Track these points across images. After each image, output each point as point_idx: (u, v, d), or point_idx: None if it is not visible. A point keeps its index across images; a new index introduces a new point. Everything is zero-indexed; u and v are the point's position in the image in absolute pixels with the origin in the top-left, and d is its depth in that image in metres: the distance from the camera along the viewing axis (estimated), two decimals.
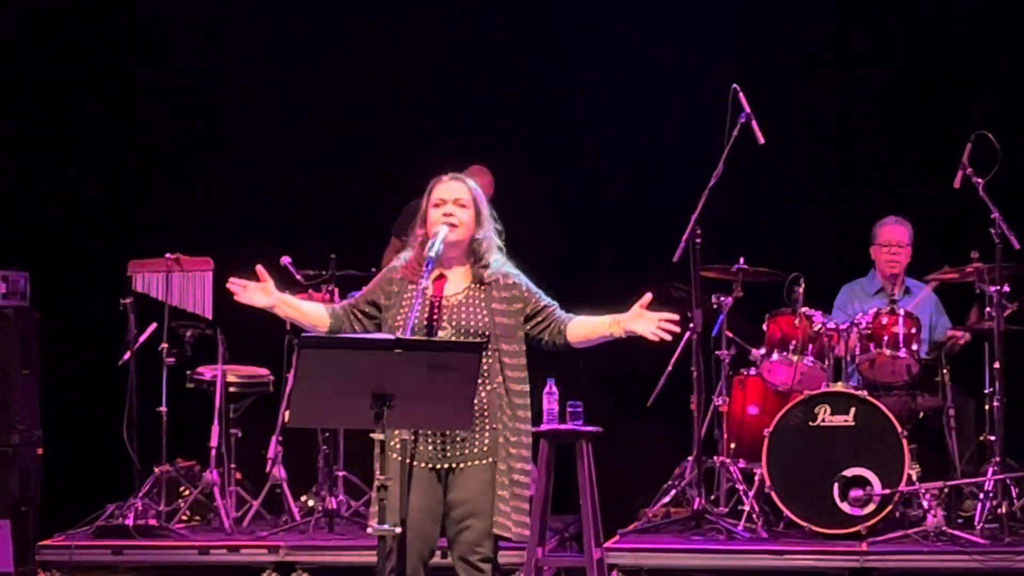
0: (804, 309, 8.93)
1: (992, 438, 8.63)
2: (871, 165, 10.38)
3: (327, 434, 9.01)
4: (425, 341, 5.89)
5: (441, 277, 6.12)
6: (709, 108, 9.94)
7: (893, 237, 9.42)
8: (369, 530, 5.80)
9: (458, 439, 6.01)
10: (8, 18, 10.43)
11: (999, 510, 8.40)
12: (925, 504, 8.49)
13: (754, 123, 8.81)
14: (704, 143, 9.76)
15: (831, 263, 9.80)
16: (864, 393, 8.63)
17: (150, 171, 10.59)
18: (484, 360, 5.90)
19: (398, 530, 5.67)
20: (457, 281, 6.13)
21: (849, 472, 8.43)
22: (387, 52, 10.66)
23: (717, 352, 9.20)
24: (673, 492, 9.06)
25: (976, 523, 8.49)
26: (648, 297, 6.06)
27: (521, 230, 9.35)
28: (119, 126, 10.60)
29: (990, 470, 8.54)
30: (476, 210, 6.14)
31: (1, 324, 8.95)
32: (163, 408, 9.01)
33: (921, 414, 8.96)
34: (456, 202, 6.11)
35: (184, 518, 9.09)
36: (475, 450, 6.02)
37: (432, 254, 6.00)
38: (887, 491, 8.38)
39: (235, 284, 6.14)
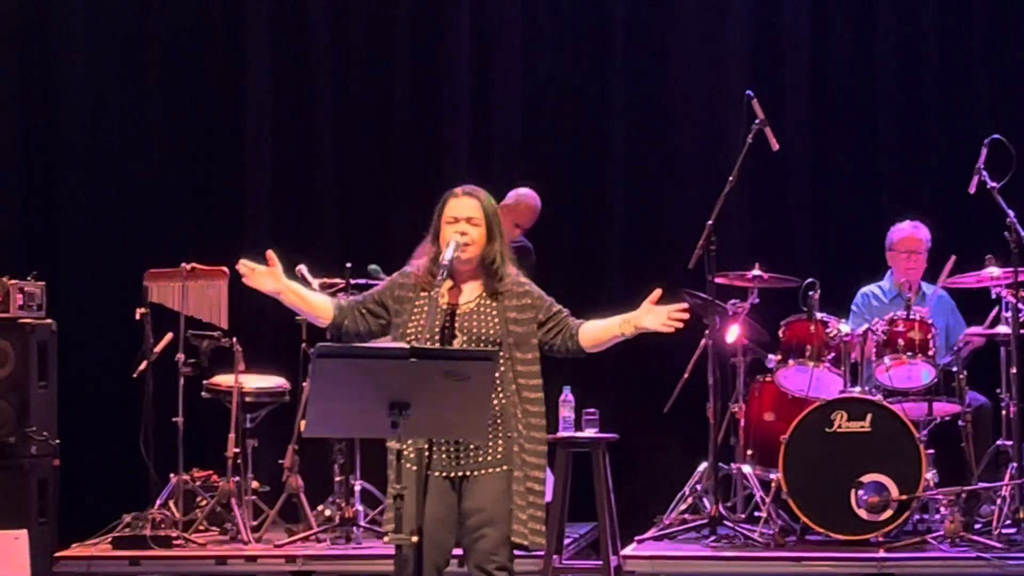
0: (820, 315, 8.91)
1: (1009, 443, 8.62)
2: (885, 170, 10.37)
3: (343, 443, 9.01)
4: (440, 350, 5.89)
5: (454, 288, 6.12)
6: (724, 115, 9.96)
7: (910, 243, 9.40)
8: (386, 539, 5.80)
9: (471, 447, 6.00)
10: (33, 27, 10.49)
11: (1017, 515, 8.39)
12: (942, 510, 8.48)
13: (768, 130, 8.82)
14: (719, 150, 9.77)
15: (846, 269, 9.79)
16: (880, 399, 8.62)
17: (165, 181, 10.60)
18: (498, 369, 5.89)
19: (415, 539, 5.67)
20: (470, 291, 6.13)
21: (866, 478, 8.42)
22: (403, 62, 10.67)
23: (733, 359, 9.20)
24: (690, 499, 9.06)
25: (993, 528, 8.45)
26: (658, 292, 6.04)
27: (536, 237, 9.36)
28: (135, 136, 10.61)
29: (1007, 475, 8.52)
30: (488, 226, 6.12)
31: (18, 335, 8.95)
32: (179, 418, 9.03)
33: (938, 419, 8.94)
34: (469, 220, 6.10)
35: (201, 528, 9.09)
36: (489, 458, 6.02)
37: (444, 262, 6.00)
38: (904, 497, 8.37)
39: (244, 266, 6.10)
